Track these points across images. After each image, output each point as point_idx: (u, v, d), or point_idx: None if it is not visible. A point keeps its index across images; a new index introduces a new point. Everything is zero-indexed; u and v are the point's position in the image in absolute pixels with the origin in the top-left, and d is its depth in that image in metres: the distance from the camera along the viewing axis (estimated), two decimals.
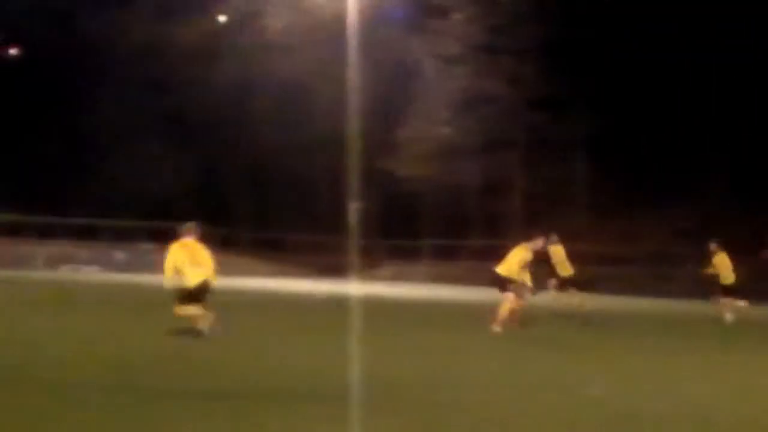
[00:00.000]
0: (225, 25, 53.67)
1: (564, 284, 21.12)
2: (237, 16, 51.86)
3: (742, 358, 14.66)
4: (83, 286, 30.83)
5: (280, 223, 52.64)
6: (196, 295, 13.88)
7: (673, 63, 43.23)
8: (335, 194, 47.27)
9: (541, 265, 19.34)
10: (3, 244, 42.20)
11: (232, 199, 56.22)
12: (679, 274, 37.00)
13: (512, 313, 16.81)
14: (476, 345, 15.12)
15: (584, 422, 8.40)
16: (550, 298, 21.58)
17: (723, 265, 21.43)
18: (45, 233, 44.94)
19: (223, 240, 50.14)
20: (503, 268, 16.92)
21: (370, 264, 46.61)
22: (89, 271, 42.88)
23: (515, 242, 17.81)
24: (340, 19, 40.36)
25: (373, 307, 23.13)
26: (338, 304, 23.75)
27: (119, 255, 46.54)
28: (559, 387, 10.49)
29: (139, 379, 10.08)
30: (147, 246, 44.61)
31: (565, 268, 21.01)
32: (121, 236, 47.46)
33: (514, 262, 16.89)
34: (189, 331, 13.78)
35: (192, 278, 13.83)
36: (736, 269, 21.54)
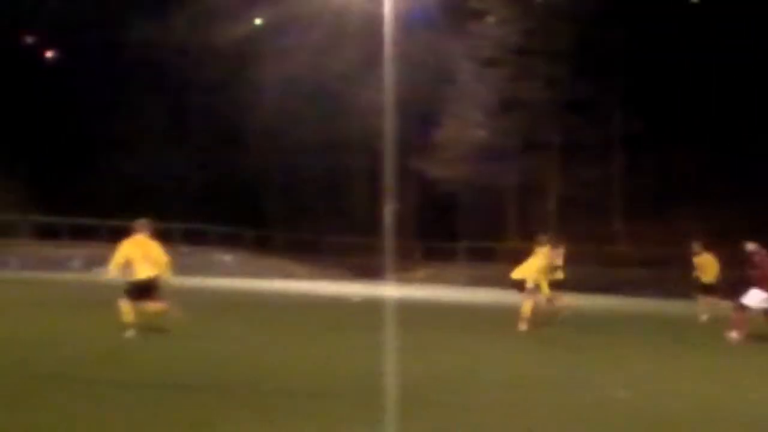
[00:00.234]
0: (261, 28, 53.88)
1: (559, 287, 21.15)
2: (273, 18, 52.01)
3: None
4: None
5: (315, 225, 52.64)
6: (146, 290, 14.00)
7: (712, 62, 42.80)
8: (371, 196, 47.26)
9: None
10: (41, 246, 42.53)
11: (267, 200, 56.40)
12: (720, 277, 36.34)
13: (534, 310, 17.42)
14: (508, 346, 15.18)
15: (619, 424, 8.31)
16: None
17: (704, 266, 22.44)
18: (82, 235, 45.17)
19: (259, 241, 50.42)
20: (518, 273, 17.77)
21: (406, 266, 46.49)
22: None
23: (535, 245, 18.68)
24: (375, 21, 40.37)
25: (409, 309, 23.09)
26: (374, 307, 23.72)
27: None
28: (591, 387, 10.44)
29: (186, 379, 10.13)
30: (183, 249, 44.73)
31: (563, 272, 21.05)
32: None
33: (533, 267, 17.77)
34: (122, 327, 13.72)
35: (142, 273, 13.97)
36: (722, 271, 22.42)
